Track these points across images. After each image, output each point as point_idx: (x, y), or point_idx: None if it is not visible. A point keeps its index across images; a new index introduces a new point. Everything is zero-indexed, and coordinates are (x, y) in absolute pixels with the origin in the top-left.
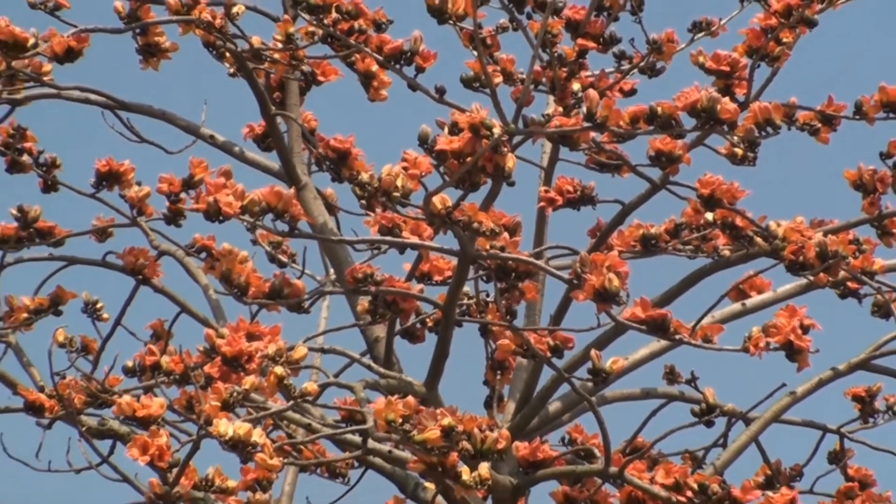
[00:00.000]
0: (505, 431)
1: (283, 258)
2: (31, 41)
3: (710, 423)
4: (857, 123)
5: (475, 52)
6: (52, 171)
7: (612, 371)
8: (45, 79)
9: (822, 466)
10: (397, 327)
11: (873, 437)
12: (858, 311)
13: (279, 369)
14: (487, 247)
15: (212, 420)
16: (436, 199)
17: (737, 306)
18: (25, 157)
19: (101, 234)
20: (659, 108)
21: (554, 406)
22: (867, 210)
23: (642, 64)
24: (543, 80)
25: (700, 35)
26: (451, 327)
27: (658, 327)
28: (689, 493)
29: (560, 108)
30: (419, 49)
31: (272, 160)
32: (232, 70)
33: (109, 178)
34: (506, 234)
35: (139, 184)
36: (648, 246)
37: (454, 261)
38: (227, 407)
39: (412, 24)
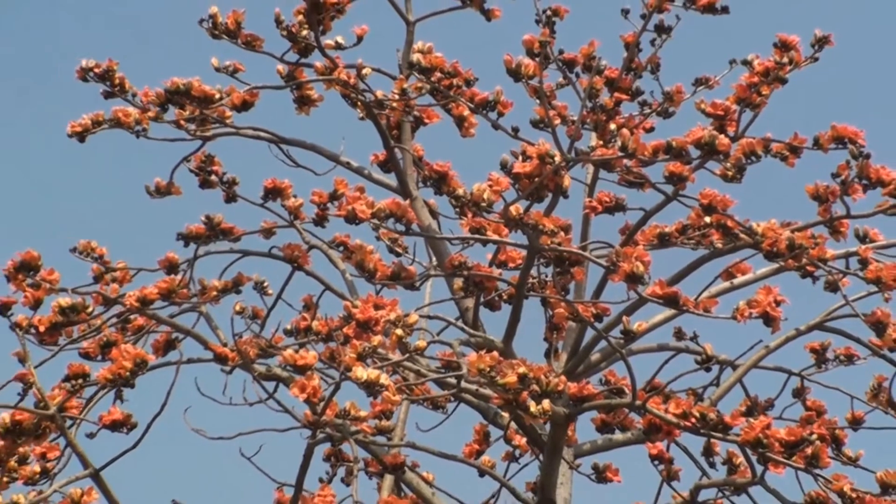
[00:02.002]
0: (562, 376)
1: (400, 250)
2: (217, 95)
3: (707, 369)
4: (815, 152)
5: (539, 101)
6: (231, 187)
7: (637, 331)
8: (226, 121)
9: (788, 400)
10: (482, 300)
11: (825, 378)
12: (814, 287)
13: (398, 331)
14: (548, 242)
15: (350, 367)
16: (512, 208)
17: (727, 285)
18: (213, 177)
19: (267, 233)
20: (673, 142)
21: (594, 357)
22: (822, 214)
23: (659, 109)
24: (588, 121)
25: (701, 88)
26: (521, 300)
27: (671, 300)
28: (693, 420)
29: (601, 142)
30: (500, 99)
31: (391, 179)
32: (362, 115)
33: (274, 193)
34: (562, 233)
35: (295, 196)
36: (663, 241)
37: (524, 252)
38: (361, 358)
39: (494, 80)
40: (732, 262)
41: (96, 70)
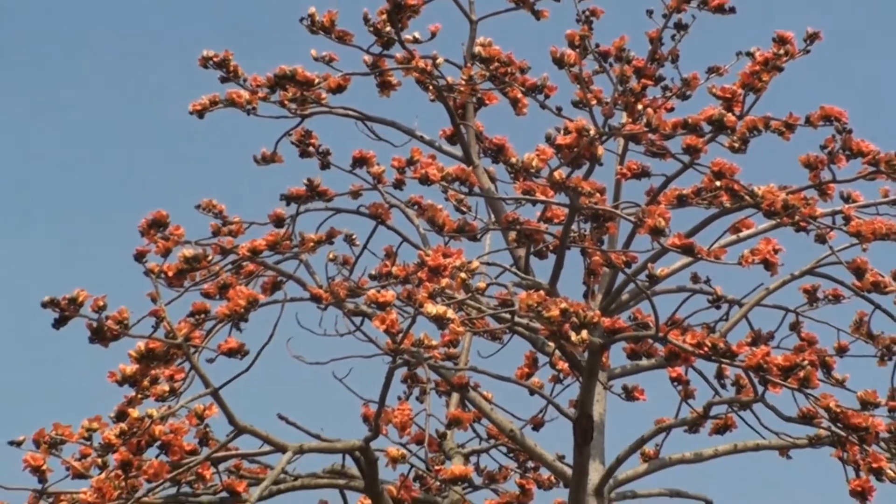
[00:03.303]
0: (597, 312)
1: (464, 209)
2: (316, 80)
3: (718, 307)
4: (806, 128)
5: (579, 85)
6: (326, 157)
7: (660, 276)
8: (322, 102)
9: (784, 332)
10: (532, 250)
11: (816, 314)
12: (806, 239)
13: (462, 275)
14: (586, 202)
15: (423, 305)
16: (556, 174)
17: (733, 237)
18: (310, 149)
19: (355, 194)
20: (689, 120)
21: (624, 297)
22: (812, 179)
23: (678, 93)
24: (619, 102)
25: (712, 75)
26: (564, 250)
27: (688, 250)
28: (706, 348)
29: (630, 120)
30: (547, 84)
31: (457, 150)
32: (433, 97)
33: (361, 161)
34: (597, 195)
35: (378, 164)
36: (681, 201)
37: (566, 210)
38: (432, 297)
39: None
40: (738, 219)
41: (215, 59)
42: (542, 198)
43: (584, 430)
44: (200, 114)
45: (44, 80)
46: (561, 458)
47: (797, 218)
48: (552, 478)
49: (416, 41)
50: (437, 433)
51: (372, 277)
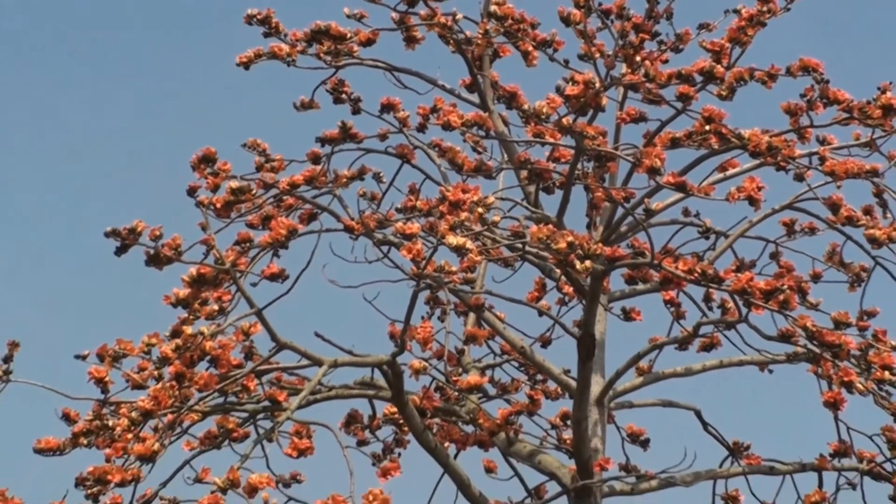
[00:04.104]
0: (599, 243)
1: (480, 150)
2: (349, 35)
3: (707, 238)
4: (787, 78)
5: (583, 40)
6: (357, 104)
7: (655, 210)
8: (354, 54)
9: (766, 261)
10: (541, 187)
11: (794, 245)
12: (785, 178)
13: (479, 209)
14: (590, 144)
15: (444, 235)
16: (563, 119)
17: (721, 176)
18: (343, 96)
19: (383, 137)
20: (682, 70)
21: (623, 228)
22: (792, 124)
23: (672, 46)
24: (620, 55)
25: (703, 30)
26: (570, 186)
27: (680, 187)
28: (696, 274)
29: (629, 71)
30: (555, 39)
31: (475, 98)
32: (453, 50)
33: (388, 107)
34: (600, 138)
35: (404, 110)
36: (675, 143)
37: (572, 151)
38: (452, 228)
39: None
40: (725, 159)
41: (258, 16)
42: (551, 140)
43: (587, 347)
44: (246, 65)
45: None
46: (566, 372)
47: (778, 158)
48: (558, 389)
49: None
50: (456, 349)
51: (398, 211)
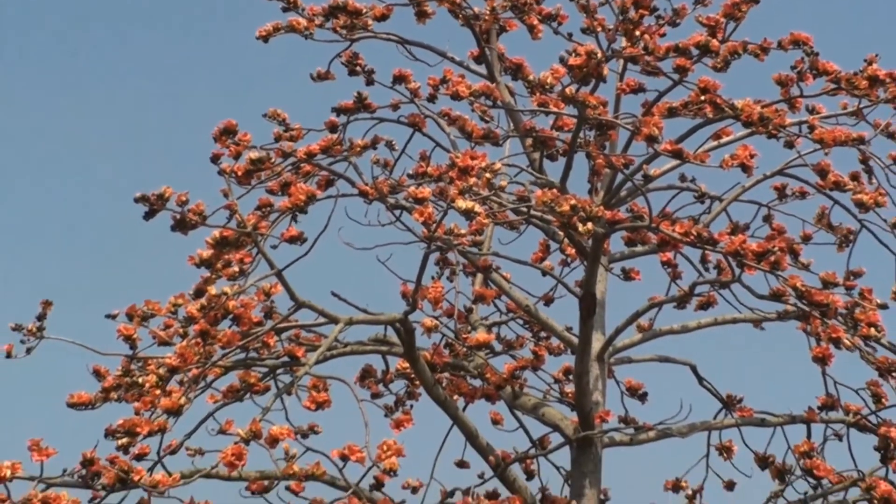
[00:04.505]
0: (600, 206)
1: (488, 119)
2: (364, 10)
3: (702, 202)
4: (779, 52)
5: (586, 15)
6: (371, 75)
7: (653, 175)
8: (368, 28)
9: (758, 224)
10: (545, 154)
11: (785, 208)
12: (777, 145)
13: (487, 174)
14: (592, 113)
15: (454, 200)
16: (567, 90)
17: (715, 143)
18: (358, 68)
19: (395, 107)
20: (679, 44)
21: (623, 193)
22: (783, 95)
23: (670, 21)
24: (620, 29)
25: (699, 5)
26: (572, 153)
27: (677, 154)
28: (692, 237)
29: (629, 44)
30: (559, 13)
31: (482, 69)
32: (462, 24)
33: (400, 78)
34: (601, 107)
35: (415, 81)
36: (672, 113)
37: (574, 120)
38: (461, 193)
39: None
40: (719, 128)
41: None
42: (555, 110)
43: (588, 305)
44: (265, 39)
45: None
46: (569, 329)
47: (770, 127)
48: (561, 346)
49: None
50: (465, 308)
51: (410, 177)
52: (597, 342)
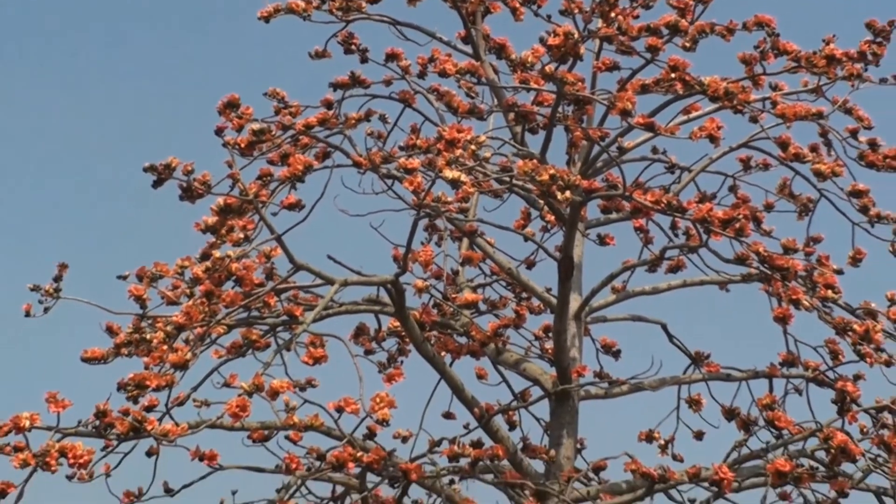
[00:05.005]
0: (578, 176)
1: (473, 95)
2: None
3: (672, 172)
4: (743, 32)
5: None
6: (364, 53)
7: (627, 147)
8: (362, 10)
9: (724, 193)
10: (526, 127)
11: (749, 179)
12: (742, 119)
13: (472, 146)
14: (570, 89)
15: (441, 170)
16: (546, 68)
17: (685, 118)
18: (352, 47)
19: (387, 83)
20: (651, 25)
21: (599, 164)
22: (747, 72)
23: (642, 3)
24: (596, 11)
25: None
26: (552, 127)
27: (649, 127)
28: (663, 205)
29: (605, 24)
30: None
31: (468, 49)
32: (450, 5)
33: (392, 57)
34: (579, 83)
35: (406, 59)
36: (644, 89)
37: (554, 96)
38: (448, 164)
39: None
40: (689, 103)
41: None
42: (535, 86)
43: (567, 268)
44: (266, 19)
45: None
46: (548, 290)
47: (735, 102)
48: (541, 306)
49: None
50: (452, 270)
51: (401, 148)
52: (574, 302)
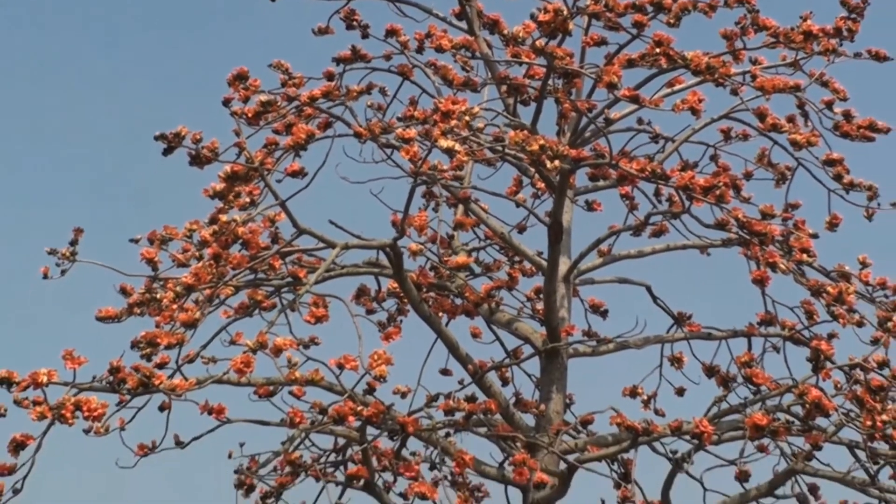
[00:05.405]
0: (566, 146)
1: (468, 68)
2: None
3: (656, 142)
4: (725, 9)
5: None
6: (366, 29)
7: (614, 119)
8: None
9: (706, 162)
10: (518, 99)
11: (730, 149)
12: (723, 92)
13: (467, 117)
14: (560, 63)
15: (437, 139)
16: (537, 42)
17: (668, 90)
18: (354, 23)
19: (387, 57)
20: (637, 1)
21: (587, 134)
22: (728, 47)
23: None
24: None
25: None
26: (542, 99)
27: (634, 99)
28: (647, 173)
29: (593, 1)
30: None
31: (463, 25)
32: None
33: (391, 32)
34: (568, 58)
35: (404, 34)
36: (630, 63)
37: (544, 69)
38: (444, 134)
39: None
40: (672, 77)
41: None
42: (527, 60)
43: (556, 233)
44: None
45: None
46: (539, 254)
47: (716, 76)
48: (532, 268)
49: None
50: (447, 235)
51: (399, 119)
52: (563, 265)
